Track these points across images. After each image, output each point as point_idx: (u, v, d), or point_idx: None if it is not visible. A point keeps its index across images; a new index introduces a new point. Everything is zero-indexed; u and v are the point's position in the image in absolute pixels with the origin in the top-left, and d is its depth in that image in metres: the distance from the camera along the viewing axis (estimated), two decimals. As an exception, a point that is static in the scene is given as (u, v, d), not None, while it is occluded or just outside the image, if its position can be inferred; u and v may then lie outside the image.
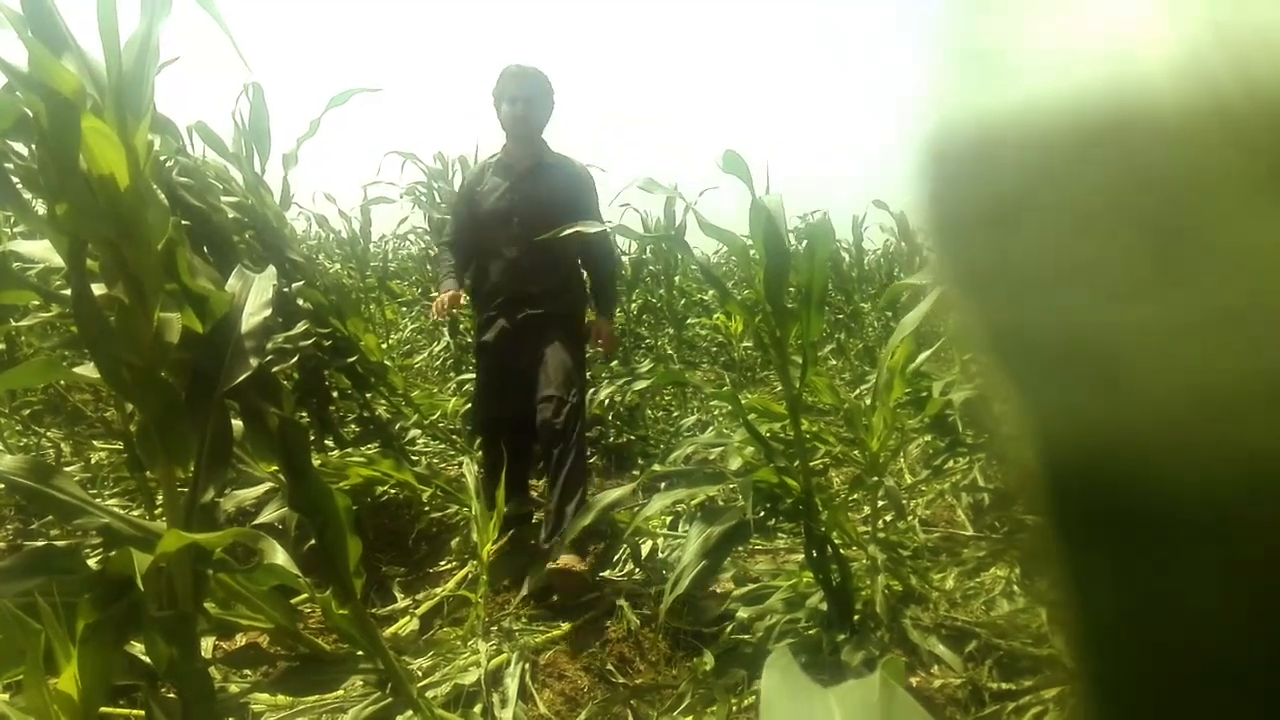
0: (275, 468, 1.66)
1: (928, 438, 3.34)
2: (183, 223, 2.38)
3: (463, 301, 3.03)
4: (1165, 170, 0.14)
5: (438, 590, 2.63)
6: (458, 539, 2.95)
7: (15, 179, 1.47)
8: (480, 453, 3.14)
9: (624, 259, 5.29)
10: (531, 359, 2.81)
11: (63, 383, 3.88)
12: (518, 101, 2.76)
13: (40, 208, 1.44)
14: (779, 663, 0.43)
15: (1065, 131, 0.15)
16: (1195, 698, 0.14)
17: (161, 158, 2.16)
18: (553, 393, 2.74)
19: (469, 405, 3.99)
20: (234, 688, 1.91)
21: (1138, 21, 0.14)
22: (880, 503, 2.71)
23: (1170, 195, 0.13)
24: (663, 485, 3.15)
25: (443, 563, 2.86)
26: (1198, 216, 0.13)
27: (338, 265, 7.45)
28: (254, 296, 1.44)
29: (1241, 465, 0.13)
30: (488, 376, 2.98)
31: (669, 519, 3.08)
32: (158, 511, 2.37)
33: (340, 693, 1.91)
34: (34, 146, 1.16)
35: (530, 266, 2.80)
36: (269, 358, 1.60)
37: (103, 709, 1.14)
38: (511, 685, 2.11)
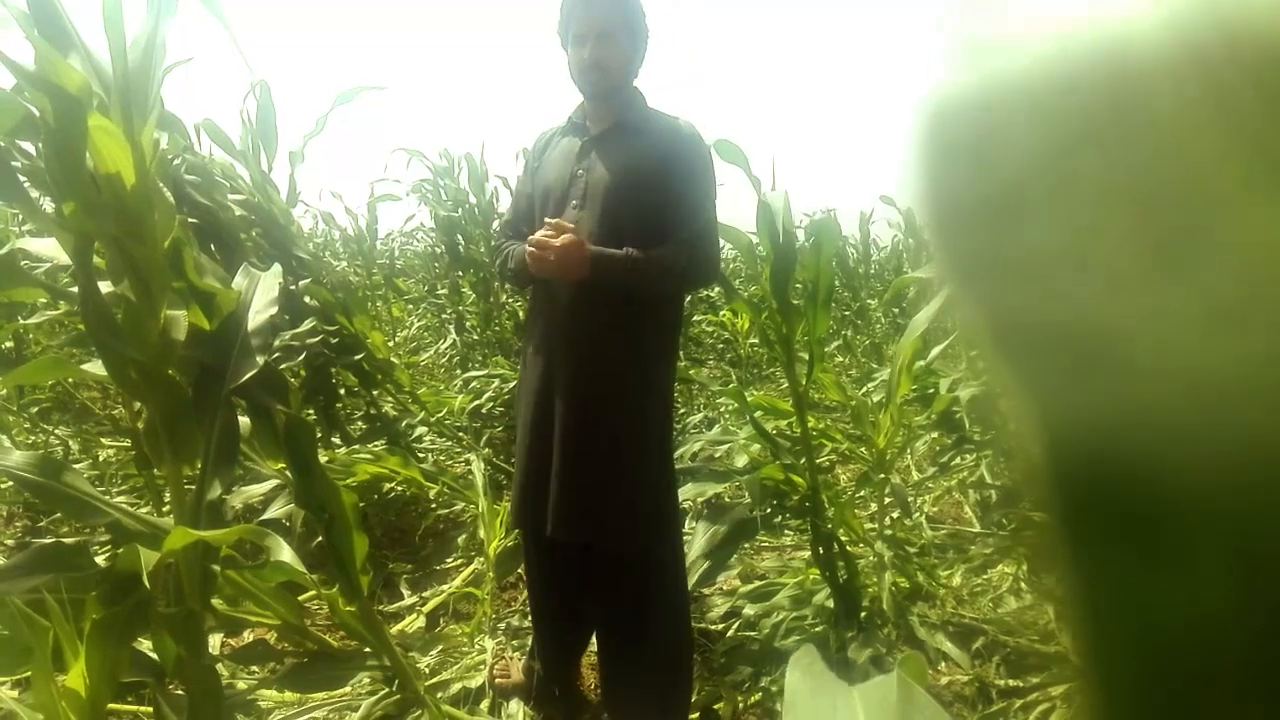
0: (282, 464, 1.66)
1: (935, 434, 3.34)
2: (190, 220, 2.39)
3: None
4: (1165, 158, 0.13)
5: (445, 587, 2.64)
6: (465, 536, 2.96)
7: (23, 177, 1.48)
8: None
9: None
10: (581, 465, 1.73)
11: (71, 380, 3.90)
12: (587, 40, 1.70)
13: (47, 206, 1.45)
14: (803, 660, 0.43)
15: (1064, 119, 0.15)
16: (1204, 696, 0.14)
17: (169, 155, 2.17)
18: (616, 542, 1.77)
19: (475, 403, 4.00)
20: (241, 684, 1.92)
21: (1137, 9, 0.14)
22: (887, 500, 2.70)
23: (1171, 184, 0.13)
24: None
25: (450, 560, 2.86)
26: (1200, 206, 0.13)
27: (344, 262, 7.48)
28: (260, 294, 1.44)
29: (1250, 458, 0.13)
30: (523, 459, 1.84)
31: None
32: (166, 508, 2.38)
33: (348, 689, 1.91)
34: (40, 145, 1.17)
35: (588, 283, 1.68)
36: (275, 355, 1.60)
37: (110, 705, 1.14)
38: (518, 682, 2.12)
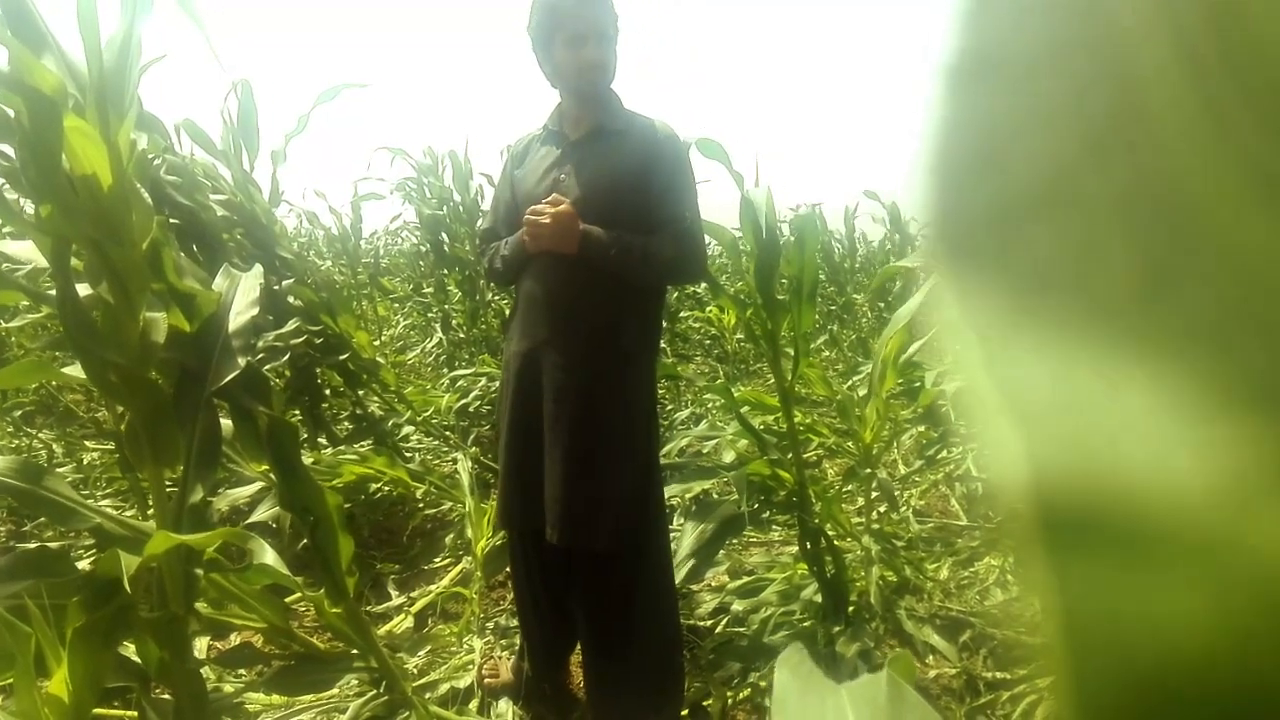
0: (266, 467, 1.65)
1: (921, 428, 3.35)
2: (171, 221, 2.38)
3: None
4: (1164, 175, 0.13)
5: (433, 587, 2.63)
6: (452, 535, 2.95)
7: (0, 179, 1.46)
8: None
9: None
10: (569, 466, 1.74)
11: (54, 383, 3.87)
12: (588, 40, 1.70)
13: (26, 207, 1.43)
14: (791, 659, 0.43)
15: (1067, 134, 0.15)
16: (1179, 707, 0.14)
17: (149, 156, 2.16)
18: (606, 543, 1.74)
19: (462, 401, 3.99)
20: (228, 688, 1.91)
21: (1137, 26, 0.14)
22: (874, 494, 2.71)
23: (1170, 201, 0.13)
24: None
25: (437, 559, 2.86)
26: (1197, 223, 0.13)
27: (329, 262, 7.45)
28: (241, 295, 1.43)
29: (1236, 472, 0.13)
30: (507, 459, 1.86)
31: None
32: (150, 512, 2.37)
33: (335, 691, 1.91)
34: (16, 147, 1.15)
35: (573, 278, 1.72)
36: (258, 356, 1.60)
37: (95, 710, 1.13)
38: (507, 681, 2.11)
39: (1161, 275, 0.13)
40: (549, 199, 1.69)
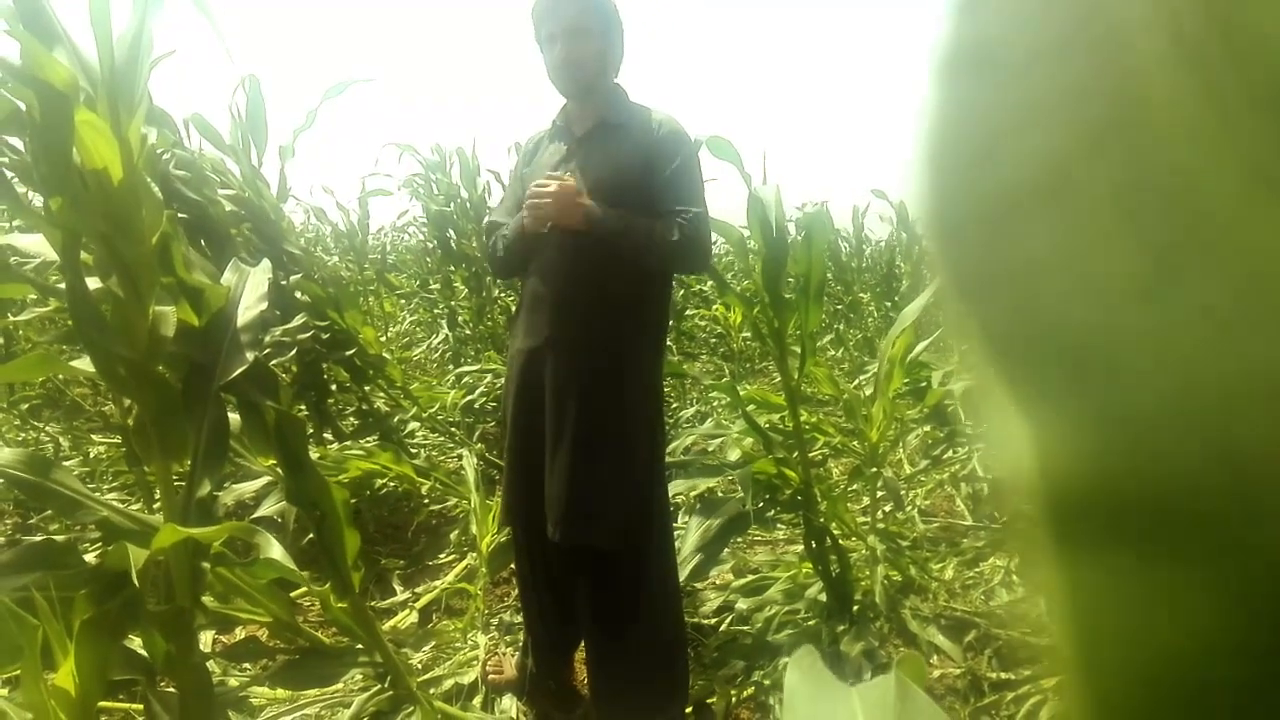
0: (273, 461, 1.66)
1: (927, 428, 3.35)
2: (179, 216, 2.38)
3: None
4: (1165, 170, 0.13)
5: (437, 583, 2.64)
6: (457, 531, 2.96)
7: (10, 173, 1.46)
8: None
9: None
10: (573, 464, 1.74)
11: (61, 377, 3.89)
12: (559, 39, 1.74)
13: (36, 201, 1.43)
14: (803, 661, 0.43)
15: (1066, 127, 0.14)
16: (1191, 705, 0.14)
17: (158, 150, 2.16)
18: (607, 540, 1.76)
19: (468, 398, 4.00)
20: (233, 681, 1.92)
21: (1137, 19, 0.14)
22: (879, 493, 2.71)
23: (1171, 196, 0.13)
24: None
25: (442, 555, 2.86)
26: (1198, 218, 0.13)
27: (336, 258, 7.46)
28: (250, 290, 1.43)
29: (1247, 469, 0.13)
30: (511, 456, 1.88)
31: (668, 510, 3.07)
32: (157, 506, 2.38)
33: (340, 686, 1.91)
34: (27, 140, 1.16)
35: (577, 276, 1.73)
36: (266, 351, 1.60)
37: (101, 704, 1.14)
38: (511, 677, 2.11)
39: (1164, 268, 0.13)
40: (550, 175, 1.71)
